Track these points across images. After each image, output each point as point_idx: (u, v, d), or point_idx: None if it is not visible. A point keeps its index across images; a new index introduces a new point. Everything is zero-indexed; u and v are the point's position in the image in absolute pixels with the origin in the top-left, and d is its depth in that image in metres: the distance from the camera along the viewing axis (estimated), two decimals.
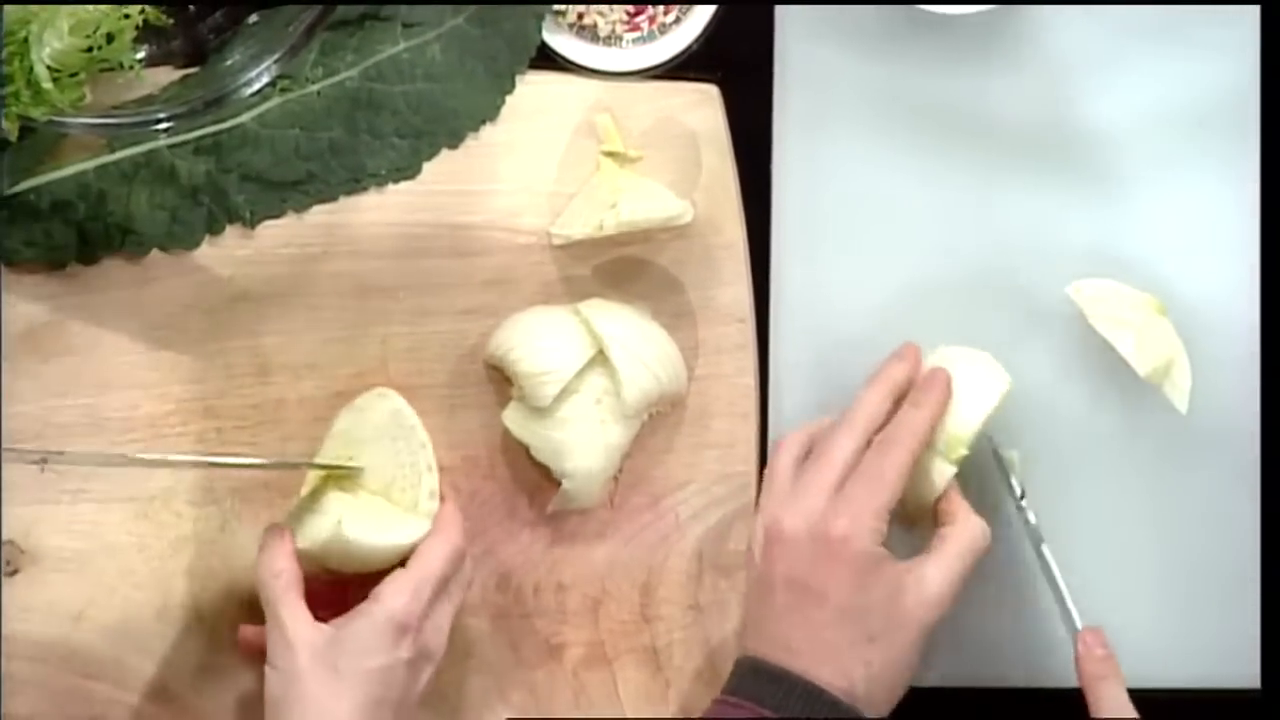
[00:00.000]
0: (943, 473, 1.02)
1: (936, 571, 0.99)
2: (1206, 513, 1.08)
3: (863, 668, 0.96)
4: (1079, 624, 1.02)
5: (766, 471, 1.04)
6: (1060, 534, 1.06)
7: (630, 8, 1.08)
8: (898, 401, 1.03)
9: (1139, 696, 1.01)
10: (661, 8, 1.09)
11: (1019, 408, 1.06)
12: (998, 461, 1.06)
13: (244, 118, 1.06)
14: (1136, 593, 1.07)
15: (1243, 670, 1.05)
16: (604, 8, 1.08)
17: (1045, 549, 1.04)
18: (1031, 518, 1.05)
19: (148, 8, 1.00)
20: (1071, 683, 1.02)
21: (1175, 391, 1.06)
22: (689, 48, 1.09)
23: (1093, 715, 0.98)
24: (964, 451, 1.02)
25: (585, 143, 1.09)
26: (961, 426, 1.02)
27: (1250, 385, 1.07)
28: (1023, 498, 1.05)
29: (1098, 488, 1.08)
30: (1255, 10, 1.07)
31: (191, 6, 1.07)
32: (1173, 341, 1.06)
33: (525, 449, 1.06)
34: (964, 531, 1.01)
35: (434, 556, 1.00)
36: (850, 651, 0.96)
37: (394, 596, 0.98)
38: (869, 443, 1.01)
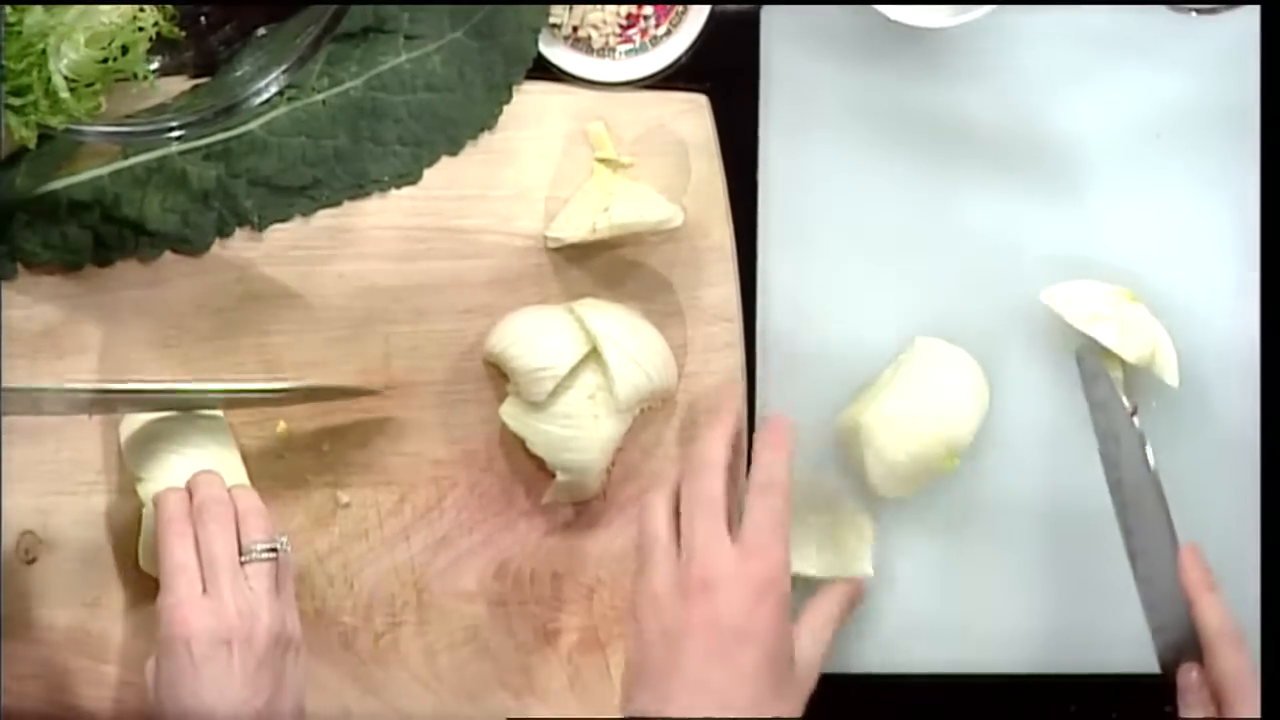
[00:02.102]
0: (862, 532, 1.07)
1: (807, 638, 1.00)
2: (1192, 490, 1.08)
3: None
4: (1180, 541, 1.01)
5: (642, 538, 1.00)
6: (1059, 527, 1.09)
7: (623, 21, 1.10)
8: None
9: (1138, 682, 1.03)
10: (653, 21, 1.10)
11: (1007, 405, 1.07)
12: (1103, 377, 1.05)
13: (253, 125, 1.07)
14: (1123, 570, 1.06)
15: None
16: (597, 20, 1.09)
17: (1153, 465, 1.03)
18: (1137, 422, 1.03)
19: (161, 21, 1.01)
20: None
21: (1164, 369, 1.08)
22: (679, 59, 1.10)
23: (1201, 623, 0.97)
24: (958, 461, 1.04)
25: (579, 150, 1.10)
26: (958, 437, 1.05)
27: (1228, 364, 1.09)
28: (1134, 413, 1.03)
29: (1089, 479, 1.06)
30: (1212, 25, 1.09)
31: (203, 19, 1.07)
32: (1151, 323, 1.08)
33: (522, 443, 1.07)
34: (825, 606, 1.03)
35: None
36: (770, 700, 0.95)
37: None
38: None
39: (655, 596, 0.98)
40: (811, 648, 1.01)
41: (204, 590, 0.98)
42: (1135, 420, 1.03)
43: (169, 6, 1.03)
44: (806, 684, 1.00)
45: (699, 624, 0.96)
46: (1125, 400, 1.04)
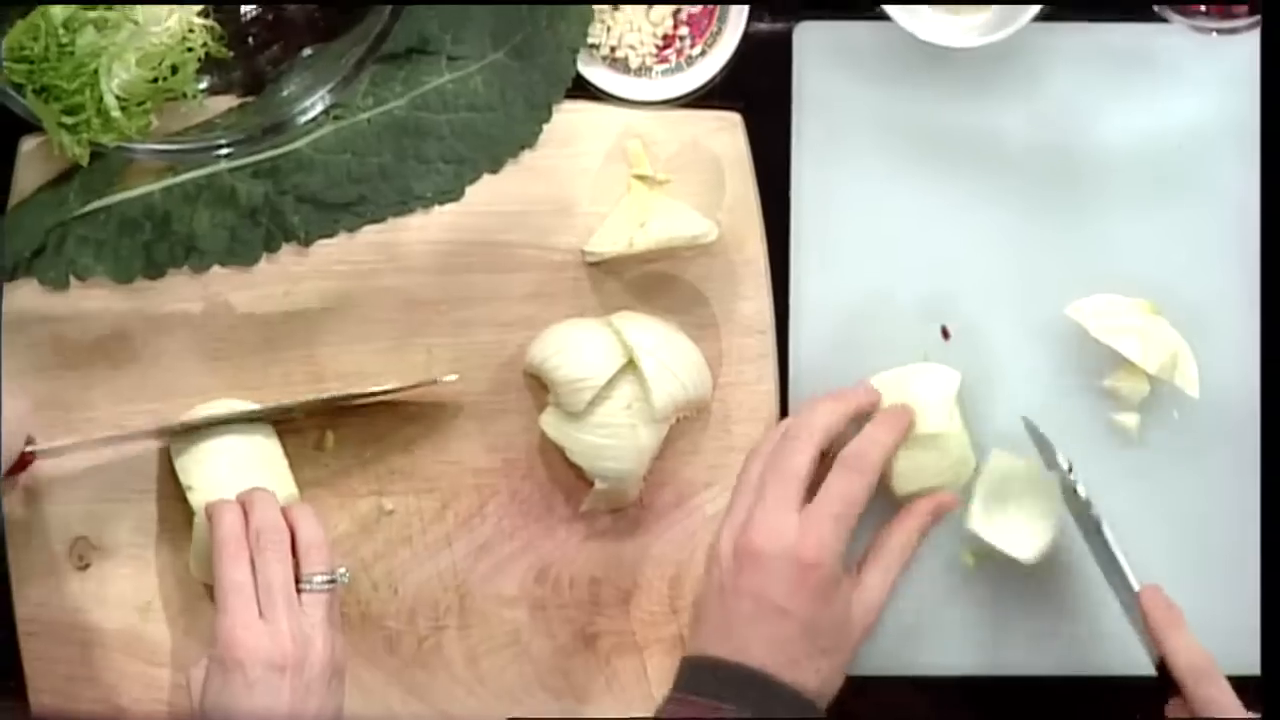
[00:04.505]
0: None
1: (877, 578, 1.03)
2: (1211, 500, 1.10)
3: (815, 676, 0.99)
4: (1136, 585, 1.01)
5: (738, 481, 1.05)
6: (1067, 530, 1.09)
7: (659, 41, 1.11)
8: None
9: (1139, 683, 1.03)
10: (689, 42, 1.12)
11: (1025, 415, 1.08)
12: (1038, 439, 1.06)
13: (299, 143, 1.09)
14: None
15: (1243, 657, 1.03)
16: (635, 41, 1.11)
17: (1105, 526, 1.03)
18: (1082, 490, 1.04)
19: (210, 41, 1.03)
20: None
21: (1185, 380, 1.09)
22: (714, 79, 1.11)
23: (1171, 663, 0.98)
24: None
25: (617, 167, 1.11)
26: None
27: (1248, 375, 1.09)
28: (1070, 471, 1.05)
29: (1106, 484, 1.07)
30: (1232, 45, 1.09)
31: (251, 40, 1.09)
32: (1172, 335, 1.09)
33: (561, 451, 1.08)
34: (898, 536, 1.05)
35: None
36: (806, 662, 0.99)
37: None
38: (822, 454, 1.03)
39: (720, 550, 1.02)
40: (878, 587, 1.03)
41: (260, 613, 1.00)
42: (1078, 488, 1.04)
43: (217, 27, 1.05)
44: (861, 628, 1.02)
45: (745, 589, 1.00)
46: (1064, 462, 1.05)
